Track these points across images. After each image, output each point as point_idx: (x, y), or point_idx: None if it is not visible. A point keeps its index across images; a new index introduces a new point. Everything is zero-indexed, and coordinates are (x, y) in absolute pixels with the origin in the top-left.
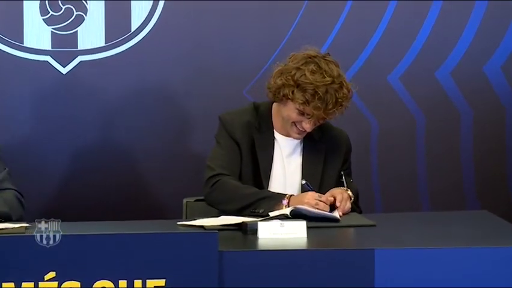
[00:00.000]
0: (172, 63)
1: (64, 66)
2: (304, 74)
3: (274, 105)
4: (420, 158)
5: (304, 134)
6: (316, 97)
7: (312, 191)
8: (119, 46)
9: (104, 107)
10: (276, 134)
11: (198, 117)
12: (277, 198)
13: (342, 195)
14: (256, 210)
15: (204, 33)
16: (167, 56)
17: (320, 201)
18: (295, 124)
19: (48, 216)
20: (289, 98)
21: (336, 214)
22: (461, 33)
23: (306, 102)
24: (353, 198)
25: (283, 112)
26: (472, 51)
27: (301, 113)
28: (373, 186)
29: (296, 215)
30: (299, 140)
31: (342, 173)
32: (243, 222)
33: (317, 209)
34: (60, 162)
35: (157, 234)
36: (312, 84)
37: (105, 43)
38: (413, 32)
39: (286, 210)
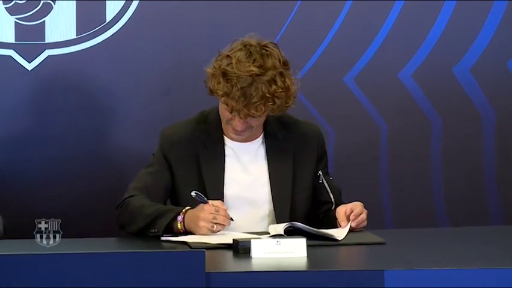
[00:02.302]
0: (152, 58)
1: (30, 62)
2: (231, 63)
3: None
4: (436, 165)
5: (243, 135)
6: (236, 88)
7: (204, 202)
8: (92, 39)
9: (75, 108)
10: (230, 142)
11: (183, 117)
12: (170, 214)
13: (361, 209)
14: (153, 230)
15: (188, 25)
16: (147, 50)
17: (218, 215)
18: (229, 123)
19: (11, 230)
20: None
21: (340, 233)
22: (482, 25)
23: (226, 94)
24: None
25: (219, 110)
26: (494, 45)
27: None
28: (382, 199)
29: (294, 231)
30: (260, 143)
31: (320, 173)
32: (234, 239)
33: (216, 224)
34: (26, 169)
35: (136, 253)
36: (235, 74)
37: (76, 35)
38: (427, 23)
39: (280, 228)
